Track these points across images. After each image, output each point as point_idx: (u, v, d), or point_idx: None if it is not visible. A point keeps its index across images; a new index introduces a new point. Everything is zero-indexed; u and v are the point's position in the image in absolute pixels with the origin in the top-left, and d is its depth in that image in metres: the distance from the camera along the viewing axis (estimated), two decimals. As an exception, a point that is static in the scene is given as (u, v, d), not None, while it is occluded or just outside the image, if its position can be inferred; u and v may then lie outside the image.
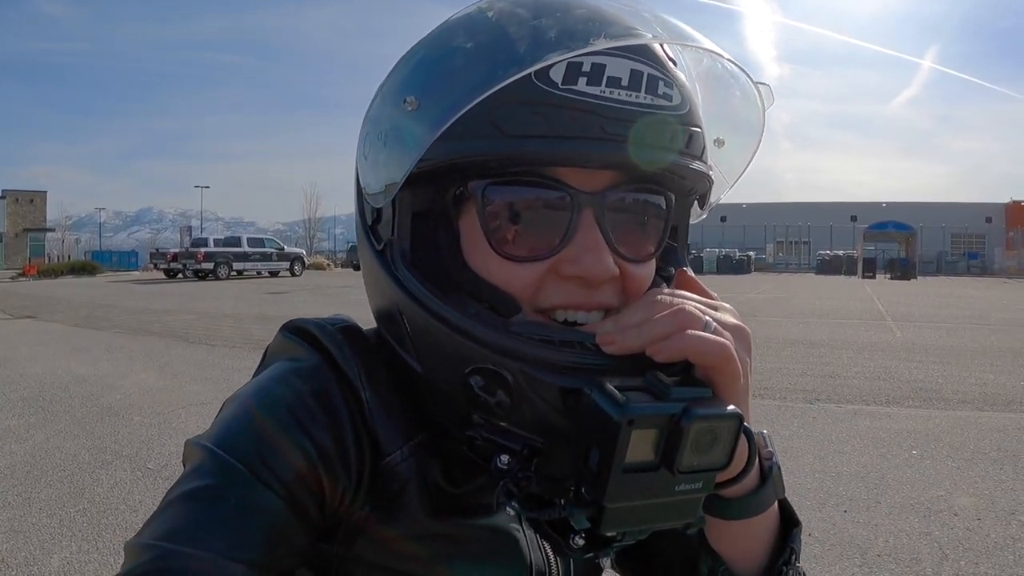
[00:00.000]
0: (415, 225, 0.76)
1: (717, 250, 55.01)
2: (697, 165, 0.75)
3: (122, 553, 0.68)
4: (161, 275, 39.30)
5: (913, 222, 56.51)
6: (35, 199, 75.34)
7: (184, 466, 0.74)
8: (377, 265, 0.77)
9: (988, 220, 68.89)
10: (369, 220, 0.81)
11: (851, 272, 48.75)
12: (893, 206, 71.61)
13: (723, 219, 69.80)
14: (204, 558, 0.64)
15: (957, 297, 25.93)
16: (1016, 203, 67.95)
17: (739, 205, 75.74)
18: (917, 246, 54.15)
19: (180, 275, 37.07)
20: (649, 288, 0.79)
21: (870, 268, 45.38)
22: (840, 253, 55.16)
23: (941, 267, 57.49)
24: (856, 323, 16.15)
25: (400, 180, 0.70)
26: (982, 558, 4.07)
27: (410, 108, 0.70)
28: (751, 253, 57.16)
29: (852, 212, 71.19)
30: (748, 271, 50.98)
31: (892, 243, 60.45)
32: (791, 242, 68.14)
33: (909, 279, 42.28)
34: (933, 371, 9.79)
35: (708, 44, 0.71)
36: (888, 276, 44.65)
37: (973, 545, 4.24)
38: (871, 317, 17.68)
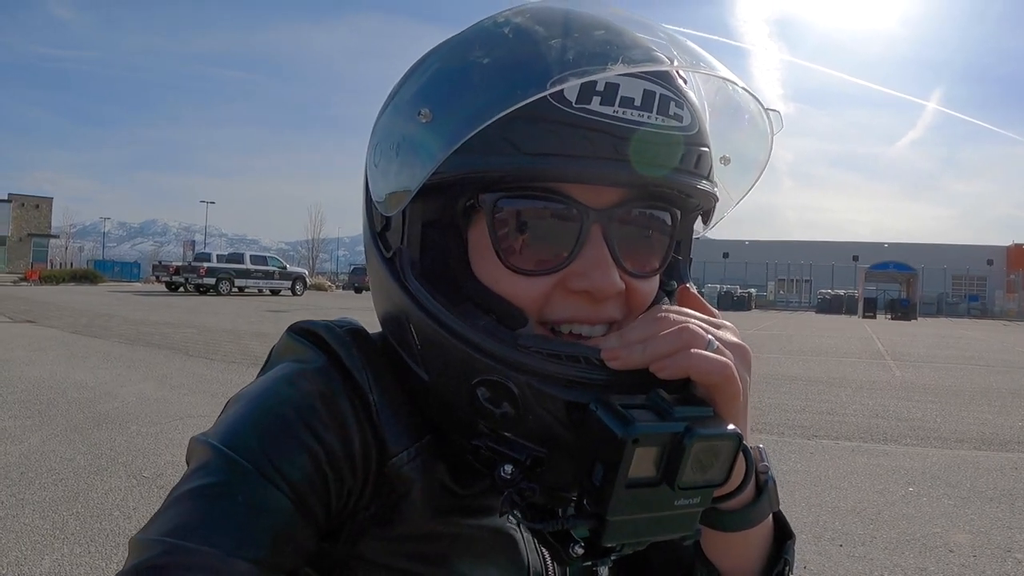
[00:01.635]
0: (424, 234, 0.76)
1: (719, 286, 55.01)
2: (704, 185, 0.76)
3: (115, 557, 0.67)
4: (163, 287, 39.32)
5: (914, 263, 56.49)
6: (40, 204, 75.55)
7: (188, 464, 0.74)
8: (386, 273, 0.77)
9: (989, 262, 68.73)
10: (378, 227, 0.81)
11: (852, 311, 48.68)
12: (895, 247, 71.59)
13: (725, 255, 69.82)
14: (211, 554, 0.64)
15: (957, 338, 25.89)
16: (1018, 246, 67.79)
17: (741, 242, 75.80)
18: (918, 287, 54.05)
19: (182, 288, 37.09)
20: (652, 302, 0.80)
21: (871, 308, 45.32)
22: (841, 292, 54.94)
23: (942, 308, 57.46)
24: (855, 361, 16.14)
25: (412, 191, 0.71)
26: (977, 596, 4.04)
27: (424, 120, 0.70)
28: (752, 290, 57.08)
29: (854, 252, 71.05)
30: (749, 308, 50.81)
31: (893, 284, 60.46)
32: (792, 280, 68.05)
33: (909, 320, 42.24)
34: (931, 410, 9.77)
35: (723, 72, 0.72)
36: (888, 316, 44.62)
37: (968, 583, 4.21)
38: (871, 356, 17.65)
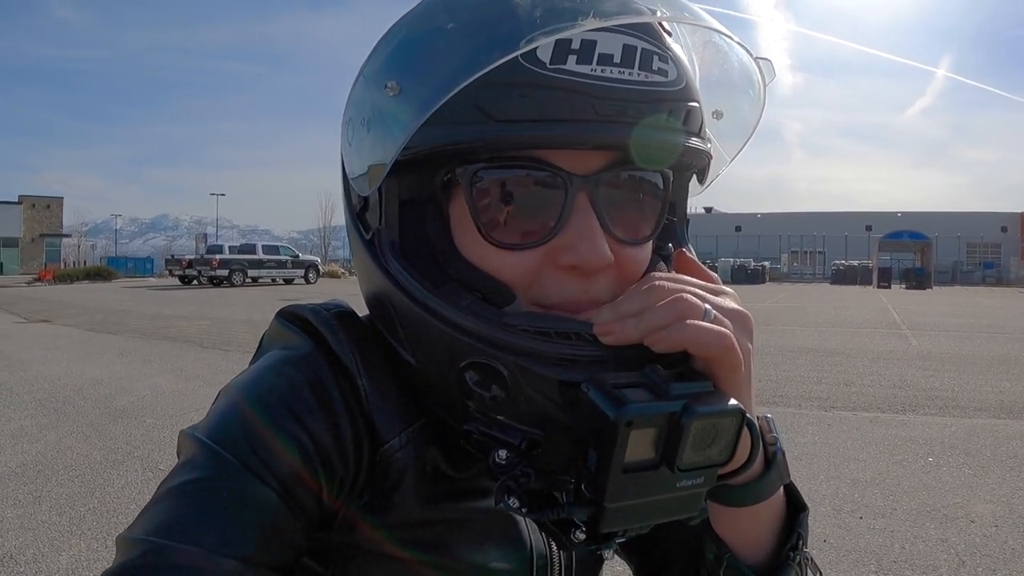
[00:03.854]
0: (403, 213, 0.74)
1: (732, 260, 54.82)
2: (694, 142, 0.72)
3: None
4: (176, 281, 39.52)
5: (928, 232, 56.13)
6: (51, 204, 76.07)
7: (178, 456, 0.73)
8: (366, 255, 0.75)
9: (1004, 229, 68.25)
10: (356, 208, 0.79)
11: (866, 282, 48.44)
12: (908, 216, 71.07)
13: (738, 229, 69.72)
14: (195, 553, 0.63)
15: (973, 306, 25.78)
16: (1032, 213, 67.38)
17: (753, 215, 75.61)
18: (932, 256, 53.75)
19: (195, 281, 37.32)
20: (648, 269, 0.77)
21: (885, 278, 45.13)
22: (855, 263, 54.66)
23: (956, 277, 57.11)
24: (871, 332, 16.07)
25: (385, 168, 0.68)
26: (1000, 565, 4.03)
27: (391, 93, 0.67)
28: (766, 263, 56.92)
29: (867, 222, 70.60)
30: (763, 281, 50.66)
31: (907, 253, 60.11)
32: (806, 252, 67.72)
33: (924, 288, 42.02)
34: (949, 379, 9.72)
35: (709, 21, 0.69)
36: (903, 286, 44.39)
37: (991, 552, 4.19)
38: (886, 326, 17.58)
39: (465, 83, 0.62)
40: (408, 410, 0.77)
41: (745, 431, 0.63)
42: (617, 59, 0.65)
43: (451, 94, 0.62)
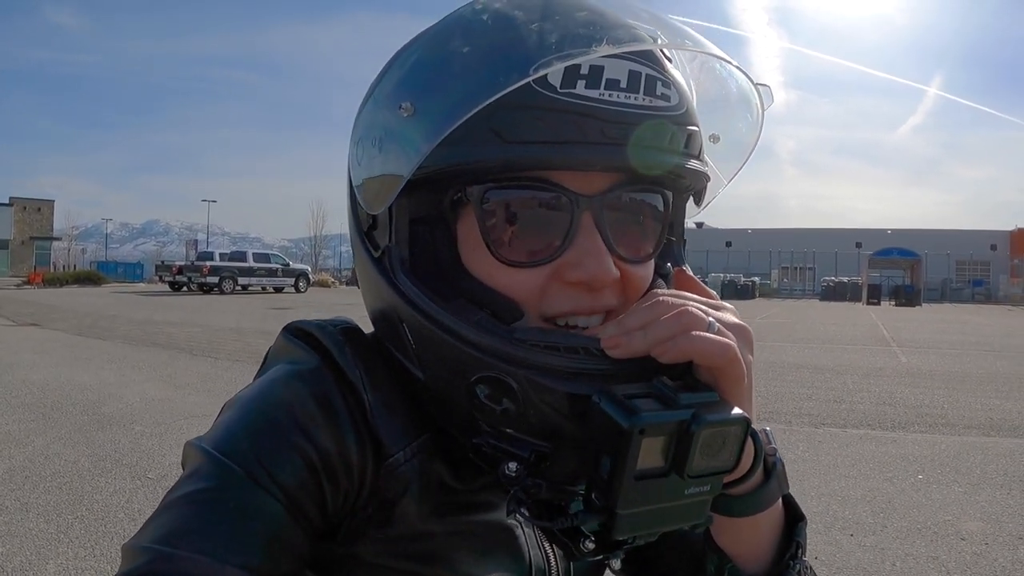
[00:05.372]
0: (413, 231, 0.75)
1: (722, 275, 54.99)
2: (694, 164, 0.75)
3: (119, 559, 0.66)
4: (166, 287, 39.41)
5: (918, 249, 56.50)
6: (42, 208, 75.98)
7: (183, 468, 0.73)
8: (375, 272, 0.77)
9: (993, 247, 68.62)
10: (365, 226, 0.80)
11: (856, 299, 48.62)
12: (898, 233, 71.36)
13: (728, 244, 69.97)
14: (201, 562, 0.63)
15: (962, 324, 25.92)
16: (1021, 230, 67.37)
17: (744, 231, 75.94)
18: (922, 273, 54.05)
19: (185, 288, 37.21)
20: (648, 287, 0.79)
21: (875, 295, 45.30)
22: (845, 280, 54.81)
23: (946, 294, 57.39)
24: (861, 349, 16.13)
25: (397, 189, 0.70)
26: (990, 583, 4.02)
27: (405, 114, 0.69)
28: (756, 279, 57.09)
29: (857, 239, 70.86)
30: (753, 297, 50.70)
31: (897, 270, 60.48)
32: (796, 268, 68.07)
33: (914, 306, 42.25)
34: (939, 396, 9.75)
35: (710, 48, 0.71)
36: (893, 303, 44.62)
37: (981, 570, 4.20)
38: (876, 343, 17.66)
39: (481, 106, 0.64)
40: (413, 424, 0.78)
41: (748, 440, 0.65)
42: (623, 84, 0.68)
43: (466, 117, 0.64)
